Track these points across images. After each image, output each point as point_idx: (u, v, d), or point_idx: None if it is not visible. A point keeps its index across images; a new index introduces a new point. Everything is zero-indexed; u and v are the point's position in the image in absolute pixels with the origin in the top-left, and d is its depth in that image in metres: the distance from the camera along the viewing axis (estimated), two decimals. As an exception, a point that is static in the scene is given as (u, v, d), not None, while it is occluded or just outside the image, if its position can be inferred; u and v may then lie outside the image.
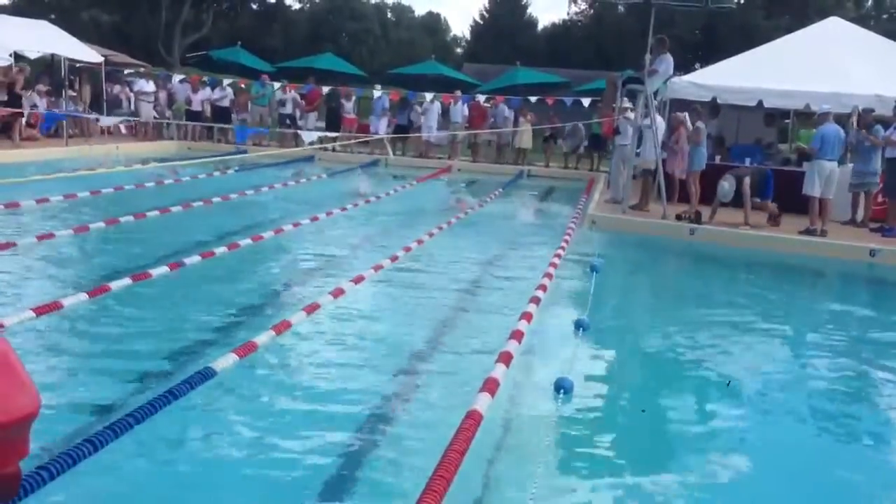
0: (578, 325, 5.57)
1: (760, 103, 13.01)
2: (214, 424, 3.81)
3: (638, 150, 12.23)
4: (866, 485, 3.76)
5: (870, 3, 41.32)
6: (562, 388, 4.22)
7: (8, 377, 1.48)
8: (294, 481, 3.33)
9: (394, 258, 7.29)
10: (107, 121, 18.64)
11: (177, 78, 22.26)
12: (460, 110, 20.27)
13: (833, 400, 4.92)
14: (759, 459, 3.88)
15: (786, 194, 11.59)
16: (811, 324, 6.92)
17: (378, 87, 21.55)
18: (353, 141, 18.39)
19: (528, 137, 19.82)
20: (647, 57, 11.53)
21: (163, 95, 20.75)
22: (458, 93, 21.23)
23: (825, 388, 5.13)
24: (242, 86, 21.53)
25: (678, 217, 11.03)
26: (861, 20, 23.92)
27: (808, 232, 10.64)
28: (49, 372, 4.25)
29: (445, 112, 20.55)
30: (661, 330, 6.40)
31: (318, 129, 19.86)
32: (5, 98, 15.74)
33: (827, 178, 10.83)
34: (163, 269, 6.00)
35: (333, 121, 20.17)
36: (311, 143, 17.59)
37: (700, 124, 12.07)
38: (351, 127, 20.29)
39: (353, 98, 21.15)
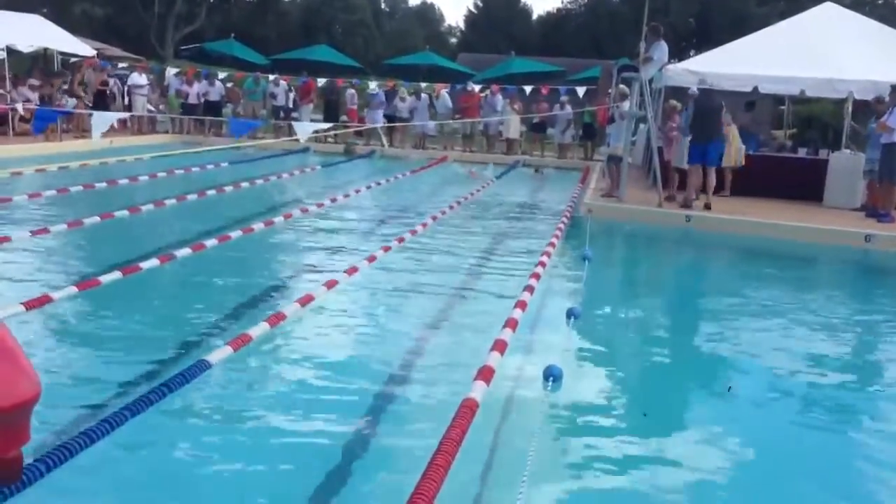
0: (570, 313, 5.57)
1: (756, 89, 12.99)
2: (210, 416, 3.81)
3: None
4: (868, 479, 3.75)
5: (864, -12, 41.18)
6: (551, 376, 4.20)
7: (8, 363, 1.47)
8: (292, 469, 3.33)
9: (385, 248, 7.28)
10: (99, 118, 18.49)
11: (171, 71, 22.19)
12: (444, 102, 20.44)
13: (832, 390, 4.92)
14: (751, 449, 3.87)
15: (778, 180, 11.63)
16: (805, 310, 6.91)
17: (373, 82, 21.70)
18: (350, 130, 18.40)
19: (516, 127, 19.71)
20: (642, 45, 11.50)
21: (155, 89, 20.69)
22: (439, 85, 21.41)
23: (821, 377, 5.12)
24: (230, 85, 21.49)
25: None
26: (856, 6, 23.81)
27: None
28: (40, 367, 4.23)
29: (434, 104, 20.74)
30: (653, 318, 6.41)
31: (313, 121, 19.85)
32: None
33: None
34: (153, 262, 5.96)
35: (332, 113, 20.14)
36: (308, 138, 17.57)
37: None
38: (353, 119, 20.36)
39: (355, 91, 21.41)
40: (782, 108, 20.18)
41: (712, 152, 11.17)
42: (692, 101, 11.63)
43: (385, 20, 53.38)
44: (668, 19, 31.22)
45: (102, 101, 18.33)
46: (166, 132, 19.99)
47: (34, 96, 17.33)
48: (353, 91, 21.49)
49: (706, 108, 11.15)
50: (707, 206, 10.97)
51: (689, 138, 11.39)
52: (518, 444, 3.50)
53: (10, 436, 1.45)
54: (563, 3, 51.47)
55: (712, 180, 11.22)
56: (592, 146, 19.52)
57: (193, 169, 12.94)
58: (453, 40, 55.40)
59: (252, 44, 31.43)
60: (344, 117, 20.40)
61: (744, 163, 12.49)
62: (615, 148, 11.95)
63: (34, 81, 17.78)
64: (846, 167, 12.39)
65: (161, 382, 3.66)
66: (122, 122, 19.70)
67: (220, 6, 45.42)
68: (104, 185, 10.20)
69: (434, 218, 9.20)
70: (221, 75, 21.38)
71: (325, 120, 19.52)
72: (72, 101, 17.10)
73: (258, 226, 8.04)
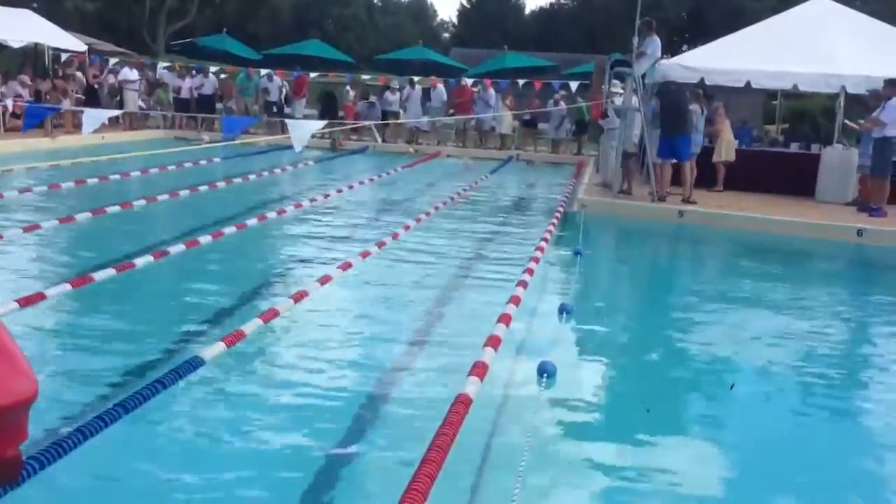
0: (562, 309, 5.57)
1: (748, 84, 13.01)
2: (203, 413, 3.81)
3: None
4: (866, 471, 3.76)
5: (856, -17, 41.20)
6: (545, 372, 4.20)
7: (5, 360, 1.46)
8: (286, 464, 3.33)
9: (380, 244, 7.27)
10: (92, 115, 18.38)
11: (162, 65, 22.10)
12: (439, 95, 20.39)
13: (830, 384, 4.93)
14: (751, 444, 3.90)
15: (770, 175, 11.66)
16: (799, 305, 6.94)
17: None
18: (346, 127, 18.39)
19: (508, 123, 19.75)
20: (635, 40, 11.49)
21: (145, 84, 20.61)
22: (434, 78, 21.39)
23: (818, 371, 5.14)
24: (224, 76, 21.42)
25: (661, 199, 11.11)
26: (847, 0, 23.83)
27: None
28: (33, 364, 4.21)
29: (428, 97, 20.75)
30: (645, 313, 6.42)
31: (307, 117, 19.79)
32: None
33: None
34: (147, 258, 5.94)
35: (330, 109, 20.08)
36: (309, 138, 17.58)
37: (695, 107, 12.03)
38: (349, 115, 20.36)
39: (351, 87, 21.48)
40: (774, 102, 20.24)
41: (681, 147, 11.15)
42: (657, 96, 11.66)
43: (378, 15, 53.26)
44: (661, 14, 31.23)
45: (94, 97, 18.23)
46: (158, 128, 19.89)
47: (25, 92, 17.24)
48: (356, 87, 21.55)
49: (672, 103, 11.19)
50: (685, 200, 10.98)
51: (657, 131, 11.45)
52: (512, 440, 3.51)
53: (7, 434, 1.44)
54: (555, -3, 51.47)
55: (687, 174, 11.23)
56: (584, 141, 19.56)
57: (186, 164, 12.89)
58: (446, 35, 55.35)
59: (244, 39, 31.26)
60: (341, 113, 20.36)
61: (734, 158, 12.53)
62: (627, 145, 11.89)
63: (25, 77, 17.68)
64: (838, 162, 12.42)
65: (154, 379, 3.65)
66: (114, 117, 19.64)
67: (212, 1, 45.18)
68: (96, 180, 10.14)
69: (427, 213, 9.19)
70: (213, 70, 21.27)
71: (321, 118, 19.49)
72: (66, 103, 17.00)
73: (251, 221, 8.01)
